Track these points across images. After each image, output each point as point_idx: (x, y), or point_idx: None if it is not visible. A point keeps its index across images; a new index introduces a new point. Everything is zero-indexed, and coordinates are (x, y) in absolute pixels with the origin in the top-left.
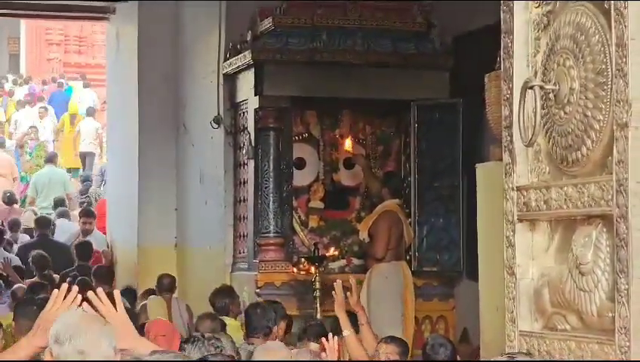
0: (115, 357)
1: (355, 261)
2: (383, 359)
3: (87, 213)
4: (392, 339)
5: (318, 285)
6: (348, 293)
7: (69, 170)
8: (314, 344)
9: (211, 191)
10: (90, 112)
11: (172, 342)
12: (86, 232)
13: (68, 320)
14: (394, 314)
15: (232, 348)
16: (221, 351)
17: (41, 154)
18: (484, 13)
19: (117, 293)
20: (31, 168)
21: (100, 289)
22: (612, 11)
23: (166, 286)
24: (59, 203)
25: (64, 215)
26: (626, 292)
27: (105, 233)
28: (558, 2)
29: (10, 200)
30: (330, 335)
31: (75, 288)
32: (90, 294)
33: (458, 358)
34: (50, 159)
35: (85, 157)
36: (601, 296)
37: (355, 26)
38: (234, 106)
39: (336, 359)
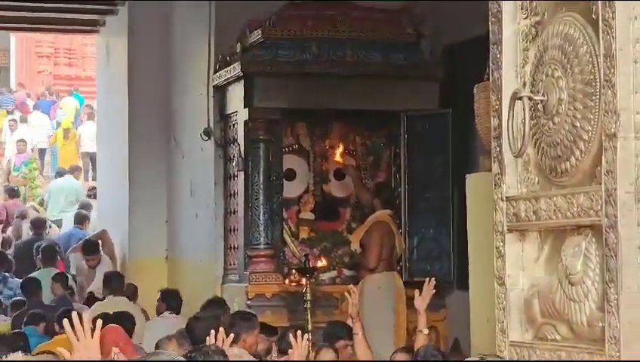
0: None
1: (346, 272)
2: None
3: (88, 250)
4: (404, 349)
5: (308, 296)
6: (351, 302)
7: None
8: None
9: (202, 204)
10: (91, 116)
11: (126, 349)
12: (92, 267)
13: None
14: (386, 324)
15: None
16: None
17: (35, 167)
18: (474, 23)
19: (98, 324)
20: (20, 182)
21: (85, 315)
22: (600, 22)
23: (128, 294)
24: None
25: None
26: (615, 302)
27: None
28: (546, 13)
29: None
30: (299, 332)
31: None
32: (74, 314)
33: None
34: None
35: (90, 157)
36: (591, 305)
37: (345, 37)
38: (224, 118)
39: (304, 355)
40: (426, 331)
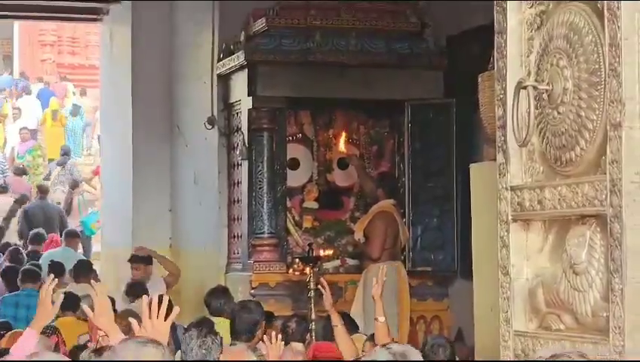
0: None
1: (350, 261)
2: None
3: (134, 258)
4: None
5: (312, 285)
6: (325, 295)
7: (51, 160)
8: (296, 343)
9: (205, 192)
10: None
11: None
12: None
13: None
14: (389, 314)
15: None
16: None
17: (39, 154)
18: (477, 13)
19: (176, 310)
20: (24, 170)
21: (165, 297)
22: (605, 11)
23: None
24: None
25: None
26: (620, 292)
27: None
28: (551, 3)
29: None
30: (273, 333)
31: None
32: (148, 300)
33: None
34: None
35: None
36: (596, 295)
37: (349, 26)
38: (227, 107)
39: (277, 357)
40: (382, 319)
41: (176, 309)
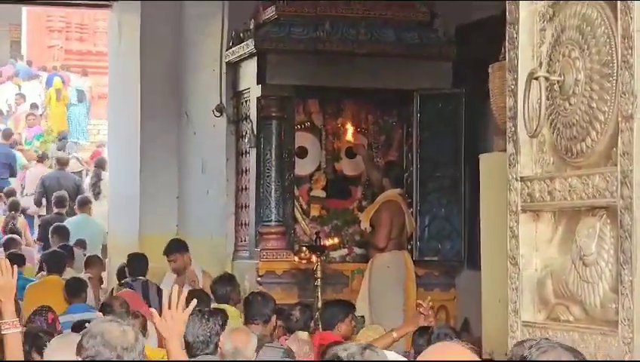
0: None
1: (357, 250)
2: None
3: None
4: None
5: (319, 274)
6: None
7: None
8: (301, 332)
9: (213, 180)
10: None
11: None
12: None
13: None
14: (395, 303)
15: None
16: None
17: (51, 139)
18: (487, 3)
19: (193, 303)
20: (32, 156)
21: (185, 291)
22: (618, 3)
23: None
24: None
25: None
26: (629, 283)
27: None
28: None
29: None
30: None
31: None
32: (175, 287)
33: None
34: None
35: None
36: (605, 287)
37: (359, 15)
38: (236, 95)
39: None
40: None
41: (193, 302)
